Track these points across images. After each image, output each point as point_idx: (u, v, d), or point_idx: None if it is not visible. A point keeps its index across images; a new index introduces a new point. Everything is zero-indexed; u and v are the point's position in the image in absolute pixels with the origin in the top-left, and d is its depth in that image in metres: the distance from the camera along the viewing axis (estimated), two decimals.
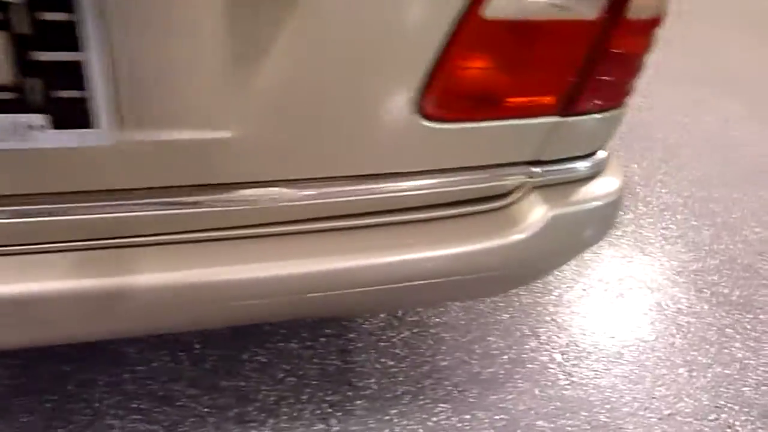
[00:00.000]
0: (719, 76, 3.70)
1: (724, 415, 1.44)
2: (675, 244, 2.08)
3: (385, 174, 0.85)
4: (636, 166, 2.56)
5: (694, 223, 2.22)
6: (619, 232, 2.11)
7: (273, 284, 0.82)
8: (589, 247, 1.08)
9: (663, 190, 2.40)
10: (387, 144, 0.82)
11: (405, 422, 1.32)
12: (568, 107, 0.88)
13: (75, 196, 0.74)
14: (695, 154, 2.72)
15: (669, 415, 1.43)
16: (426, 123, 0.81)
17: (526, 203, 0.95)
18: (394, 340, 1.53)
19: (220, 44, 0.68)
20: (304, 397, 1.35)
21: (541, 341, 1.59)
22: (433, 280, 0.91)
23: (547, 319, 1.67)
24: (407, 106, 0.79)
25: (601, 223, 1.05)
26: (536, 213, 0.94)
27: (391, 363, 1.46)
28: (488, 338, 1.57)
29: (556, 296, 1.76)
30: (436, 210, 0.91)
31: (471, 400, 1.39)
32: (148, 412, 1.28)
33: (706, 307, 1.80)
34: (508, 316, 1.65)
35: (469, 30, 0.74)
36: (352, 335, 1.52)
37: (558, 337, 1.61)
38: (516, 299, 1.72)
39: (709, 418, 1.44)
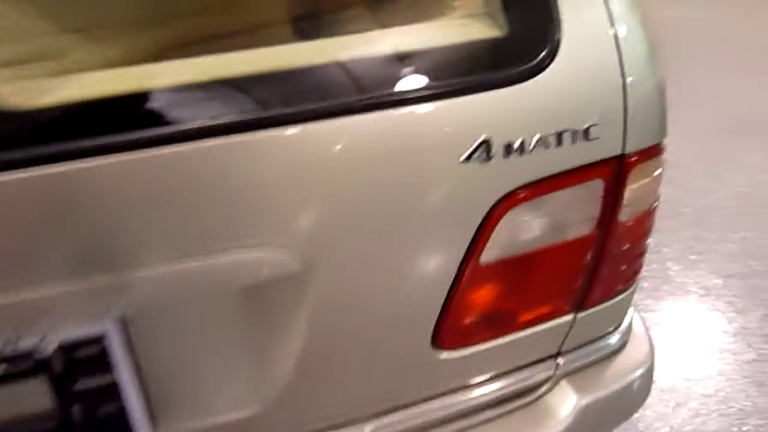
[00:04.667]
0: (741, 127, 3.55)
1: None
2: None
3: (407, 403, 0.87)
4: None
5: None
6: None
7: None
8: (630, 416, 1.07)
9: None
10: (409, 377, 0.85)
11: None
12: (580, 306, 0.90)
13: None
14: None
15: None
16: (444, 355, 0.84)
17: (557, 395, 0.95)
18: None
19: (240, 338, 0.73)
20: None
21: None
22: None
23: None
24: (425, 345, 0.82)
25: (638, 393, 1.04)
26: (567, 405, 0.94)
27: None
28: None
29: None
30: (466, 419, 0.92)
31: None
32: None
33: None
34: None
35: (471, 275, 0.77)
36: None
37: None
38: None
39: None
